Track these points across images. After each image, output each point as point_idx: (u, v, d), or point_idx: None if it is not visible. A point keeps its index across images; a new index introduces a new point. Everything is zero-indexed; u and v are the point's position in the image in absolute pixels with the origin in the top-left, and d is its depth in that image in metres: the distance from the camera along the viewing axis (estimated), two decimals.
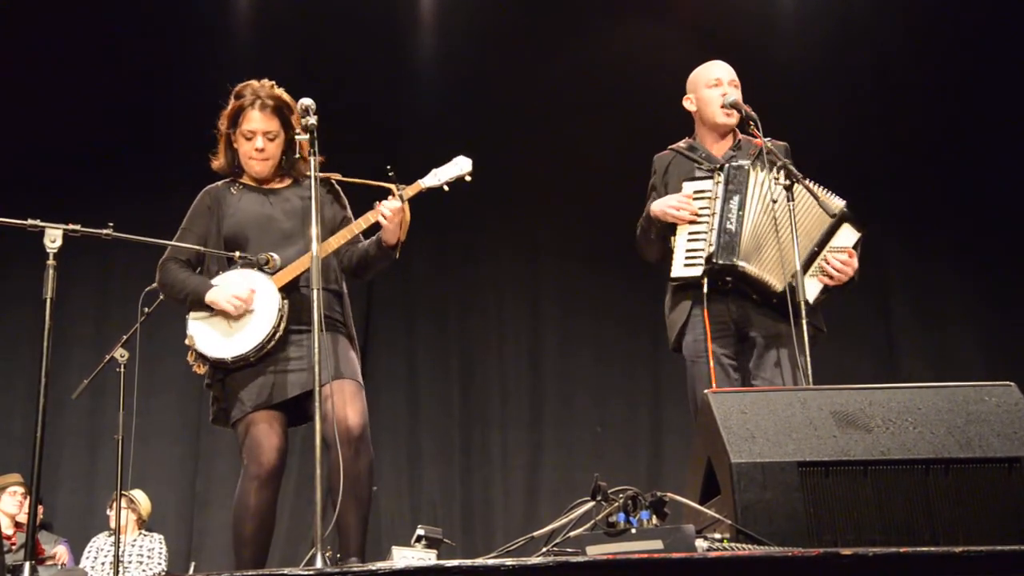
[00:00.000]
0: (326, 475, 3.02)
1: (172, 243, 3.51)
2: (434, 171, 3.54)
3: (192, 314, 3.45)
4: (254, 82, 3.58)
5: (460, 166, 3.54)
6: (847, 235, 3.77)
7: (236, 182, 3.62)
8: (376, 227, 3.51)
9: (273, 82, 3.61)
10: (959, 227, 7.23)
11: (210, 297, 3.40)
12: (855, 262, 3.78)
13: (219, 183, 3.65)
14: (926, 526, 2.56)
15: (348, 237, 3.47)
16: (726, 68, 4.02)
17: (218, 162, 3.64)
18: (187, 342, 3.44)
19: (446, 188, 3.52)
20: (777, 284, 3.69)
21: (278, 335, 3.36)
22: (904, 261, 7.31)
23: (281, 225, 3.50)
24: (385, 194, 3.48)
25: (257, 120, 3.52)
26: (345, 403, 3.33)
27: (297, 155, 3.39)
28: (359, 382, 3.45)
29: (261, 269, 3.40)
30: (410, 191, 3.47)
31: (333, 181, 3.61)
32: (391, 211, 3.40)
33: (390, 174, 3.46)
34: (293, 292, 3.41)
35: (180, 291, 3.48)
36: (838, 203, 3.78)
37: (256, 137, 3.52)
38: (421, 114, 7.63)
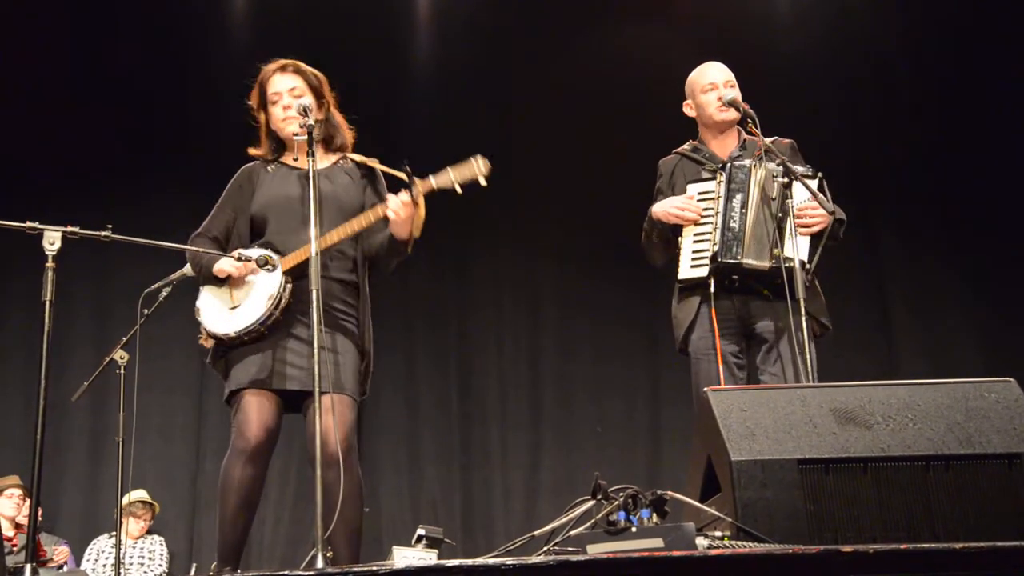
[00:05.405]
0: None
1: (170, 245, 3.50)
2: (448, 169, 3.36)
3: (204, 287, 3.46)
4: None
5: (476, 168, 3.34)
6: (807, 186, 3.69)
7: (275, 160, 3.59)
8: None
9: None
10: (958, 225, 7.23)
11: (217, 266, 3.39)
12: (822, 199, 3.68)
13: (258, 161, 3.61)
14: (926, 523, 2.56)
15: (349, 232, 3.39)
16: (720, 69, 3.98)
17: (259, 150, 3.60)
18: (195, 314, 3.45)
19: (459, 190, 3.35)
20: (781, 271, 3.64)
21: (273, 317, 3.31)
22: (903, 259, 7.31)
23: (303, 208, 3.35)
24: (399, 183, 3.41)
25: (279, 82, 3.50)
26: (332, 422, 3.21)
27: (335, 128, 3.51)
28: (353, 398, 3.35)
29: (261, 267, 3.36)
30: (421, 188, 3.35)
31: (373, 166, 3.56)
32: (399, 205, 3.34)
33: (406, 168, 3.38)
34: (302, 279, 3.28)
35: (197, 263, 3.50)
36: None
37: (282, 97, 3.50)
38: (419, 114, 7.63)
